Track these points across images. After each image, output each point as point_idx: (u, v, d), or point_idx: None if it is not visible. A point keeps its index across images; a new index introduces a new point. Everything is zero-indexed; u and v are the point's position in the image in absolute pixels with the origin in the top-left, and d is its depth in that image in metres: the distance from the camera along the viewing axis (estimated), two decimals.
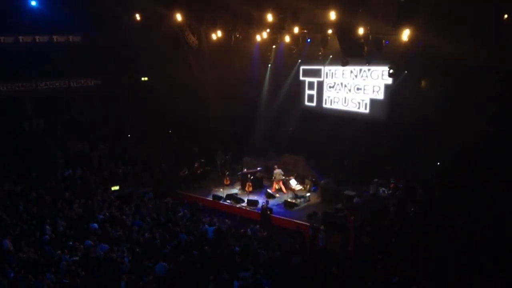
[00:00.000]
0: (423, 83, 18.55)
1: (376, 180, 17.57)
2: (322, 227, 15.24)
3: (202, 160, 22.29)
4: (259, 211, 17.43)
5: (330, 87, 21.97)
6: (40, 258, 12.21)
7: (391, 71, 18.32)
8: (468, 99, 16.38)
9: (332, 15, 16.09)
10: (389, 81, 19.36)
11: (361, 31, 15.94)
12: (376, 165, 19.01)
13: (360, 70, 20.47)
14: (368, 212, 15.43)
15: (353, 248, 13.74)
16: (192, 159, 22.40)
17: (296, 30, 18.81)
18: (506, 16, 14.43)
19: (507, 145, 15.77)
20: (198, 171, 21.80)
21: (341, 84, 21.43)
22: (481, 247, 11.44)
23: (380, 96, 20.00)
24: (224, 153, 23.07)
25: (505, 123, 15.88)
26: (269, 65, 23.65)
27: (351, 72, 20.87)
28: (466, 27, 15.29)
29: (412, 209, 14.90)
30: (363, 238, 13.61)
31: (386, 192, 17.10)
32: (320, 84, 22.32)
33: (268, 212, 17.05)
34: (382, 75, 19.59)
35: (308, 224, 15.83)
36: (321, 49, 20.05)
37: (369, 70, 20.14)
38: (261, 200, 18.92)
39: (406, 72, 18.61)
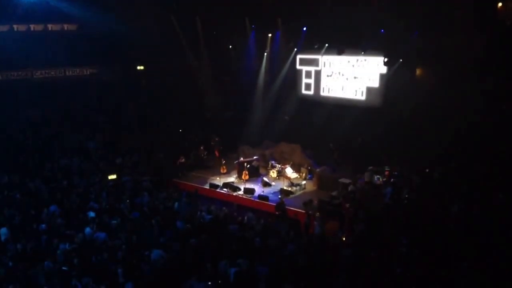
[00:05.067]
0: (418, 71, 18.69)
1: (371, 168, 17.74)
2: (317, 215, 15.40)
3: (202, 147, 22.70)
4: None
5: (327, 76, 22.06)
6: (37, 247, 12.31)
7: (385, 59, 18.44)
8: (462, 88, 16.51)
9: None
10: (384, 70, 19.49)
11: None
12: (371, 153, 19.20)
13: (357, 60, 20.59)
14: (362, 199, 15.59)
15: (348, 235, 13.91)
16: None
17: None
18: (500, 4, 14.47)
19: (500, 134, 15.94)
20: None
21: (339, 73, 21.55)
22: (474, 235, 11.61)
23: (376, 84, 20.14)
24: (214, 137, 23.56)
25: (499, 112, 16.03)
26: (265, 53, 23.66)
27: (348, 61, 21.01)
28: (461, 16, 15.35)
29: (407, 196, 15.08)
30: (358, 225, 13.77)
31: (380, 180, 17.28)
32: (318, 73, 22.39)
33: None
34: (378, 64, 19.70)
35: (304, 211, 15.99)
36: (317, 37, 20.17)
37: (365, 60, 20.26)
38: (257, 188, 19.09)
39: (401, 60, 18.73)
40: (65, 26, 24.02)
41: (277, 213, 16.24)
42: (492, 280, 9.59)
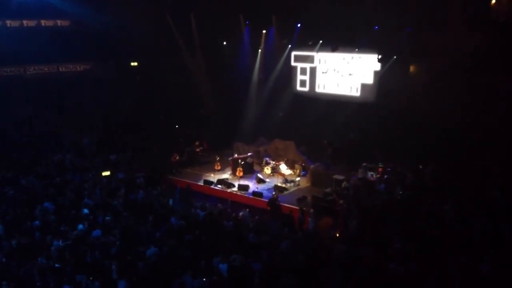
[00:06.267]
0: (411, 68, 18.76)
1: (365, 164, 17.85)
2: (311, 211, 15.46)
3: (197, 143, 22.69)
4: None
5: (323, 72, 22.10)
6: (31, 244, 12.28)
7: (379, 56, 18.52)
8: (455, 85, 16.60)
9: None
10: (378, 66, 19.60)
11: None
12: (365, 149, 19.29)
13: (352, 57, 20.66)
14: (356, 195, 15.66)
15: (341, 231, 13.97)
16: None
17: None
18: (493, 1, 14.55)
19: (493, 130, 16.06)
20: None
21: (334, 69, 21.60)
22: (468, 232, 11.69)
23: (370, 80, 20.23)
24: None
25: (492, 109, 16.14)
26: (259, 50, 23.65)
27: (344, 58, 21.09)
28: (454, 13, 15.41)
29: (401, 192, 15.15)
30: (351, 221, 13.83)
31: (374, 176, 17.37)
32: (313, 70, 22.40)
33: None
34: (372, 61, 19.79)
35: (298, 208, 16.04)
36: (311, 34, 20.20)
37: (359, 57, 20.35)
38: (252, 184, 19.12)
39: (394, 57, 18.81)
40: (59, 22, 23.90)
41: (268, 208, 16.32)
42: (486, 275, 9.67)
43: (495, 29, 15.36)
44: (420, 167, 16.55)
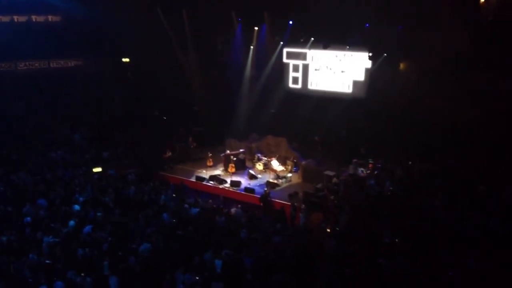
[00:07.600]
0: (401, 66, 18.92)
1: (355, 160, 18.01)
2: (302, 207, 15.58)
3: (191, 139, 22.71)
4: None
5: (315, 69, 22.20)
6: (22, 240, 12.28)
7: (370, 54, 18.66)
8: (445, 82, 16.78)
9: None
10: (369, 64, 19.75)
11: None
12: (356, 146, 19.46)
13: (344, 55, 20.80)
14: (346, 191, 15.80)
15: (332, 227, 14.10)
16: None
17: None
18: (482, 0, 14.72)
19: (482, 127, 16.26)
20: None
21: (327, 67, 21.72)
22: (456, 227, 11.86)
23: (361, 78, 20.38)
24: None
25: (482, 106, 16.35)
26: (251, 47, 23.68)
27: (336, 56, 21.23)
28: (444, 11, 15.56)
29: (391, 188, 15.30)
30: (341, 216, 13.97)
31: (364, 172, 17.52)
32: (306, 67, 22.46)
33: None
34: (363, 58, 19.95)
35: (289, 203, 16.16)
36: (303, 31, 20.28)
37: (351, 55, 20.50)
38: (244, 180, 19.19)
39: (385, 55, 18.96)
40: (50, 18, 23.78)
41: (260, 204, 16.43)
42: (474, 269, 9.83)
43: (484, 28, 15.54)
44: (410, 163, 16.72)
